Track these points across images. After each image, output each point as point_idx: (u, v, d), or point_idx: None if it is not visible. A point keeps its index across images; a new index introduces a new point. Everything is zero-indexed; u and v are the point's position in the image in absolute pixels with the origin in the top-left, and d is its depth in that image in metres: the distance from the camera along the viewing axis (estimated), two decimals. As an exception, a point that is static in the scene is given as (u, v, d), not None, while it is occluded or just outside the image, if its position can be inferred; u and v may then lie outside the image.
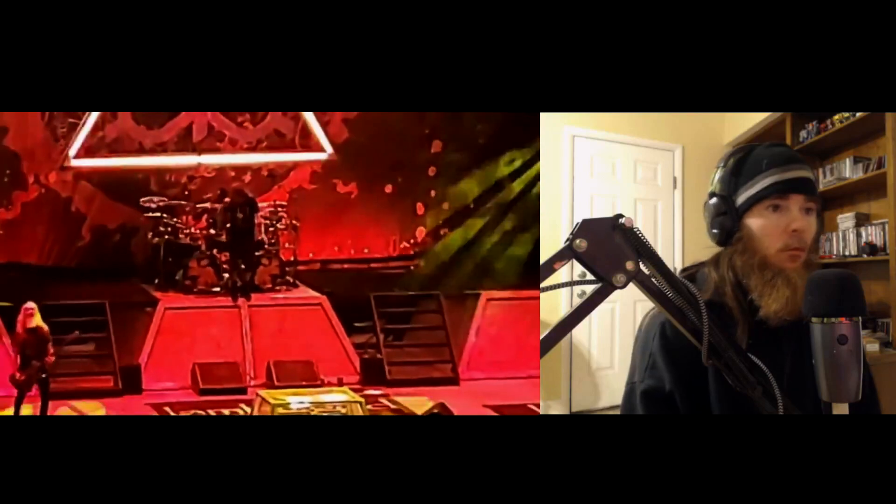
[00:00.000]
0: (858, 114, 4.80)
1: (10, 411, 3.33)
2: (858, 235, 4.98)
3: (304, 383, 3.80)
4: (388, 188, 4.45)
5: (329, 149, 4.37)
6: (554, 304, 4.68)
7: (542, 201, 4.58)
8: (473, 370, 4.06)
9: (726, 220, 1.56)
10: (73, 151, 4.18)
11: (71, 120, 4.19)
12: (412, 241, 4.52)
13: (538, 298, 3.74)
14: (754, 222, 1.54)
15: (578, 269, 1.33)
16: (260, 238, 4.16)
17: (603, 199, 5.97)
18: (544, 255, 1.30)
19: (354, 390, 3.69)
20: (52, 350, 3.39)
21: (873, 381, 1.66)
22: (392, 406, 3.72)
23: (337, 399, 3.46)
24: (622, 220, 1.30)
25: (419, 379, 3.93)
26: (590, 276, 1.31)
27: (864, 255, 4.82)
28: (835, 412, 1.24)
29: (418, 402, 3.57)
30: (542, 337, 1.26)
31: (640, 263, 1.31)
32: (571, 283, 1.39)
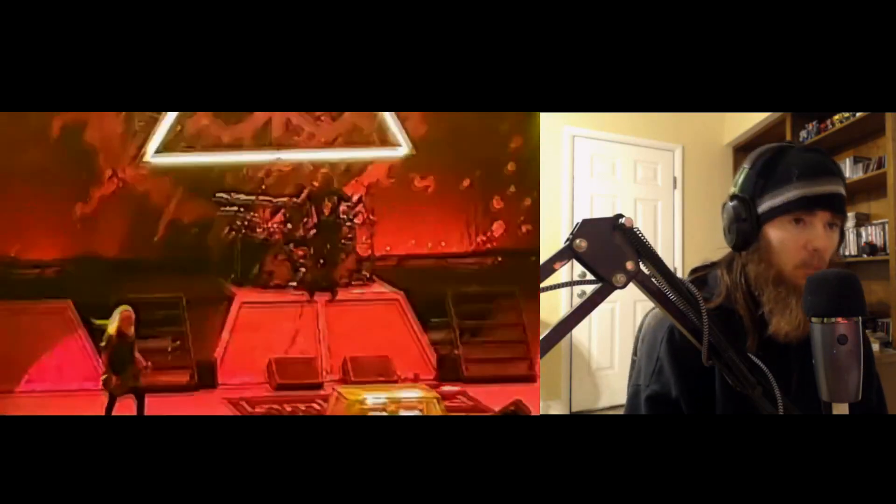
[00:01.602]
0: (858, 114, 4.80)
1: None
2: (858, 235, 4.98)
3: (380, 379, 3.78)
4: (466, 182, 4.45)
5: (405, 144, 4.36)
6: (554, 304, 4.68)
7: (542, 201, 4.57)
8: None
9: (745, 226, 1.51)
10: (151, 147, 4.20)
11: (149, 115, 4.20)
12: (489, 234, 4.51)
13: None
14: (775, 234, 1.49)
15: (578, 269, 1.33)
16: (343, 233, 4.17)
17: (603, 199, 5.97)
18: (544, 255, 1.29)
19: (430, 387, 3.68)
20: (138, 355, 3.39)
21: (882, 389, 1.65)
22: (469, 403, 3.72)
23: (413, 395, 3.45)
24: (622, 220, 1.29)
25: (496, 376, 3.92)
26: (590, 276, 1.31)
27: (864, 255, 4.83)
28: (835, 412, 1.24)
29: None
30: (541, 337, 1.26)
31: (640, 263, 1.30)
32: (571, 283, 1.38)
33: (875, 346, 4.13)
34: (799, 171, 1.49)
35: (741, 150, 6.38)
